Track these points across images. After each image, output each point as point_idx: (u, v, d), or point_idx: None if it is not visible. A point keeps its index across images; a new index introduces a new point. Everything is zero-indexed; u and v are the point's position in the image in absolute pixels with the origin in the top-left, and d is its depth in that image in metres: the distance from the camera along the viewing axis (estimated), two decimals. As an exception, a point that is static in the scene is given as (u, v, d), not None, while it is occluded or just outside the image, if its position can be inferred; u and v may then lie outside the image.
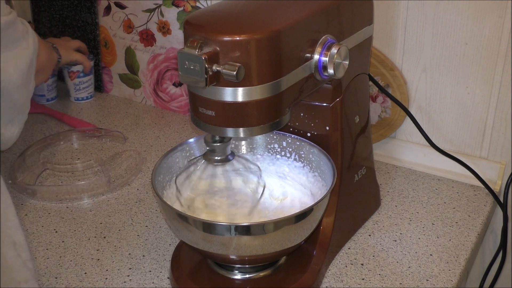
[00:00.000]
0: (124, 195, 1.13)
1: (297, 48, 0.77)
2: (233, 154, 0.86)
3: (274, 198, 0.94)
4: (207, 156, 0.85)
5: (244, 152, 0.99)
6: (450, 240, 0.99)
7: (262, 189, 0.91)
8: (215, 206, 0.91)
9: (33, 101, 1.48)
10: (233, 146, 0.99)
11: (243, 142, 0.99)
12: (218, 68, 0.70)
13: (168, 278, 0.92)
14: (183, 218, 0.80)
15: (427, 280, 0.91)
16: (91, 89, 1.48)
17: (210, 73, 0.70)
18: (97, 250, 0.98)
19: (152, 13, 1.37)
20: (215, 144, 0.83)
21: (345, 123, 0.91)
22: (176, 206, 0.89)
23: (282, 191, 0.95)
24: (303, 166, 0.95)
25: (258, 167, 0.93)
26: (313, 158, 0.93)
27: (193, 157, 0.93)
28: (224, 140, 0.83)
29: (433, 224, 1.03)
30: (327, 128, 0.91)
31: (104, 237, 1.01)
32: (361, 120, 0.97)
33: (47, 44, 1.16)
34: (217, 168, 0.94)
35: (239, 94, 0.73)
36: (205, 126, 0.78)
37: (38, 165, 1.20)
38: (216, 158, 0.84)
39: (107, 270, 0.94)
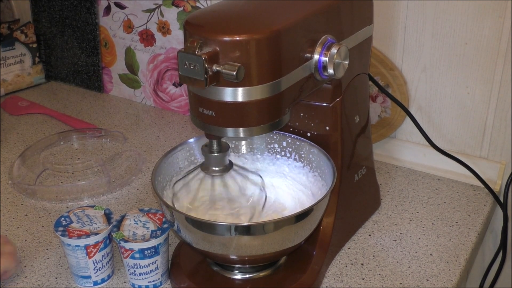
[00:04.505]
0: (124, 195, 1.13)
1: (297, 48, 0.77)
2: (231, 163, 0.86)
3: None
4: (205, 166, 0.85)
5: (244, 152, 0.99)
6: (450, 240, 0.99)
7: (264, 200, 0.90)
8: (214, 216, 0.91)
9: (33, 101, 1.49)
10: (233, 146, 0.99)
11: (243, 142, 0.99)
12: (218, 68, 0.70)
13: (168, 278, 0.92)
14: (183, 218, 0.80)
15: (427, 280, 0.91)
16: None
17: (210, 73, 0.70)
18: (97, 250, 0.98)
19: (152, 13, 1.37)
20: (212, 155, 0.83)
21: (345, 123, 0.91)
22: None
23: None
24: (303, 166, 0.95)
25: (261, 176, 0.92)
26: (313, 158, 0.93)
27: (190, 168, 0.91)
28: (222, 150, 0.83)
29: (433, 224, 1.03)
30: (327, 128, 0.91)
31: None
32: (361, 120, 0.97)
33: None
34: (215, 178, 0.92)
35: (239, 94, 0.73)
36: (205, 126, 0.78)
37: (38, 165, 1.20)
38: (214, 168, 0.84)
39: (107, 270, 0.94)
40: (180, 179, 0.91)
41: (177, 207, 0.89)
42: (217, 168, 0.84)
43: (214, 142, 0.83)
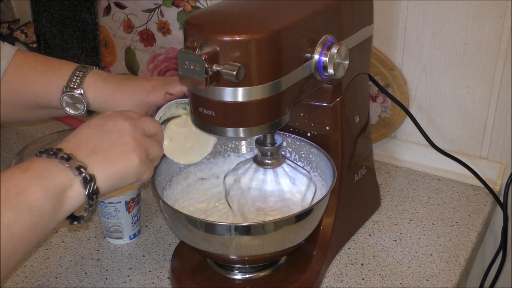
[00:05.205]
0: (124, 195, 1.13)
1: (297, 48, 0.77)
2: (284, 157, 0.88)
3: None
4: (258, 159, 0.86)
5: (244, 152, 0.99)
6: (450, 240, 0.99)
7: (314, 191, 0.90)
8: (265, 210, 0.92)
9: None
10: (233, 146, 0.99)
11: (243, 142, 0.99)
12: (218, 68, 0.70)
13: (168, 278, 0.92)
14: (183, 218, 0.80)
15: (427, 280, 0.91)
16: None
17: (210, 73, 0.70)
18: (97, 250, 0.98)
19: (152, 13, 1.37)
20: (266, 148, 0.84)
21: (345, 123, 0.91)
22: (225, 210, 0.90)
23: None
24: (303, 166, 0.95)
25: (308, 171, 0.93)
26: (313, 158, 0.93)
27: (243, 160, 0.93)
28: (275, 142, 0.84)
29: (433, 224, 1.03)
30: (327, 128, 0.91)
31: (104, 237, 1.01)
32: (361, 120, 0.97)
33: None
34: (267, 171, 0.93)
35: (239, 94, 0.73)
36: (205, 126, 0.78)
37: (38, 165, 1.20)
38: (267, 161, 0.86)
39: (107, 270, 0.94)
40: (230, 172, 0.92)
41: (229, 200, 0.91)
42: (269, 161, 0.86)
43: (268, 135, 0.84)
